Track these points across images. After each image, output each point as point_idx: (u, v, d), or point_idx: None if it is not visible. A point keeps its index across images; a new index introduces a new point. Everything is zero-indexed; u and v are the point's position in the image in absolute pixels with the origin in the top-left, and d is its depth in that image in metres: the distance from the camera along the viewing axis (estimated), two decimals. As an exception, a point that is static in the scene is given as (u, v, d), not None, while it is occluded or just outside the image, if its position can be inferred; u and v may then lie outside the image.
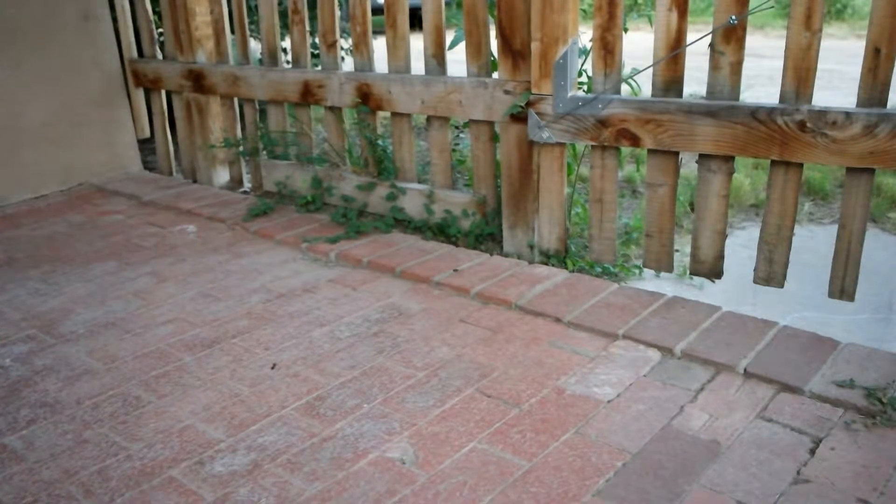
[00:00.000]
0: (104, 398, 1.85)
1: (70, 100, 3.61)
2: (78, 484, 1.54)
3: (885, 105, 1.83)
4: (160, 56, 3.74)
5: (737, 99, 2.01)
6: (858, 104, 1.85)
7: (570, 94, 2.24)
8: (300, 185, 3.15)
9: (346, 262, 2.59)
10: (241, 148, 3.50)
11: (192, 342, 2.10)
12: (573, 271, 2.43)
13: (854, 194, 1.91)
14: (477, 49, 2.53)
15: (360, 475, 1.52)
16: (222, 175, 3.64)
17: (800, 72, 1.91)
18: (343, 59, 3.14)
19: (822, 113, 1.87)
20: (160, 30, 3.96)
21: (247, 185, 3.59)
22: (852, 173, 1.90)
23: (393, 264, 2.49)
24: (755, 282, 2.11)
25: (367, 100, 2.88)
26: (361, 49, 2.90)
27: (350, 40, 3.07)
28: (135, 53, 3.80)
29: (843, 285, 1.98)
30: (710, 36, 2.01)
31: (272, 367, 1.95)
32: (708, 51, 2.01)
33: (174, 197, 3.41)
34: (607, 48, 2.17)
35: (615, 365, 1.87)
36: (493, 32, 2.49)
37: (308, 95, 3.07)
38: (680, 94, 2.10)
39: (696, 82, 3.49)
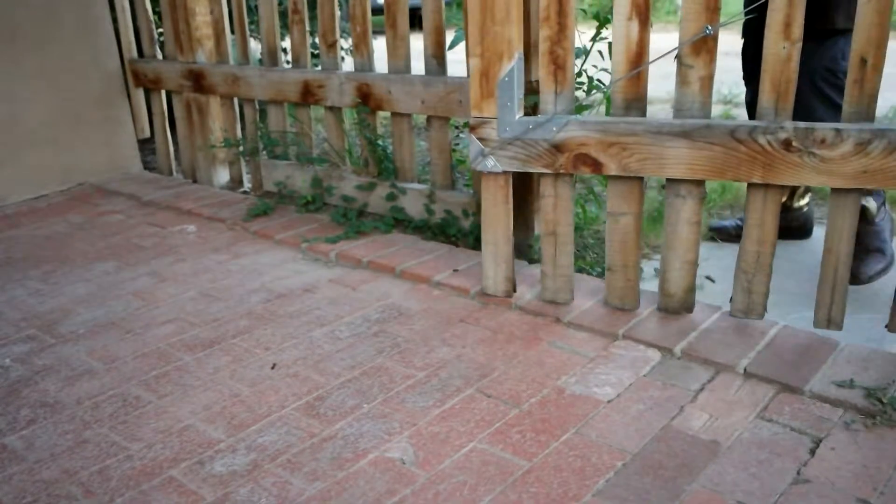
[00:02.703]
0: (104, 398, 1.85)
1: (70, 100, 3.61)
2: (78, 484, 1.54)
3: (872, 119, 1.71)
4: (160, 56, 3.74)
5: (708, 116, 1.84)
6: (844, 119, 1.73)
7: (517, 117, 1.99)
8: (300, 185, 3.15)
9: (346, 262, 2.59)
10: (241, 148, 3.50)
11: (192, 342, 2.10)
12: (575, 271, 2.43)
13: (840, 216, 1.79)
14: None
15: (360, 475, 1.52)
16: (222, 175, 3.64)
17: (779, 85, 1.75)
18: (343, 59, 3.14)
19: (810, 130, 1.72)
20: (160, 30, 3.96)
21: (247, 185, 3.59)
22: (839, 193, 1.78)
23: (393, 264, 2.49)
24: (732, 314, 1.99)
25: (367, 100, 2.88)
26: (361, 49, 2.90)
27: (350, 40, 3.07)
28: (135, 53, 3.80)
29: (829, 314, 1.87)
30: (677, 48, 1.84)
31: (272, 367, 1.95)
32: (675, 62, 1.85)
33: (174, 197, 3.41)
34: (557, 63, 1.93)
35: (615, 365, 1.87)
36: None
37: (308, 95, 3.07)
38: (643, 113, 1.91)
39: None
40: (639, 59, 1.86)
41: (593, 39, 2.52)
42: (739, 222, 2.81)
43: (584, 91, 2.68)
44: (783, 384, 1.74)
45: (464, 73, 2.64)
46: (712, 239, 2.84)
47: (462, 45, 2.66)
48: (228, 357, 2.01)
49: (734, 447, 1.55)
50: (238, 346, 2.07)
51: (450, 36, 2.73)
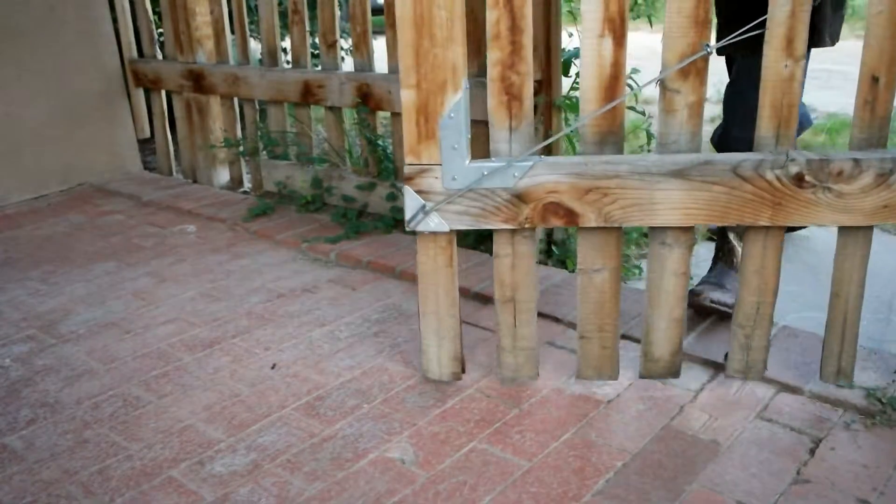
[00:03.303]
0: (104, 398, 1.85)
1: (70, 100, 3.61)
2: (78, 484, 1.54)
3: (885, 145, 1.55)
4: (160, 56, 3.74)
5: (698, 149, 1.59)
6: (853, 146, 1.56)
7: (467, 162, 1.60)
8: (300, 185, 3.15)
9: (346, 262, 2.59)
10: (241, 148, 3.50)
11: (192, 342, 2.10)
12: (571, 271, 2.43)
13: (851, 256, 1.60)
14: (477, 49, 2.53)
15: (360, 475, 1.52)
16: (222, 175, 3.64)
17: (780, 109, 1.54)
18: (343, 59, 3.14)
19: (825, 162, 1.51)
20: (160, 30, 3.96)
21: (247, 185, 3.59)
22: (849, 231, 1.58)
23: (393, 264, 2.49)
24: (728, 375, 1.77)
25: (367, 100, 2.88)
26: (361, 49, 2.90)
27: (350, 40, 3.06)
28: (135, 53, 3.80)
29: (839, 365, 1.69)
30: (661, 75, 1.57)
31: (272, 367, 1.95)
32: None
33: (174, 197, 3.41)
34: (511, 92, 1.57)
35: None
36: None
37: (308, 95, 3.07)
38: (619, 149, 1.61)
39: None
40: (615, 85, 1.56)
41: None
42: None
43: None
44: (783, 384, 1.74)
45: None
46: (711, 239, 2.84)
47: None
48: (228, 357, 2.01)
49: (734, 447, 1.55)
50: (238, 346, 2.07)
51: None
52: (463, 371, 1.82)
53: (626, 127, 4.62)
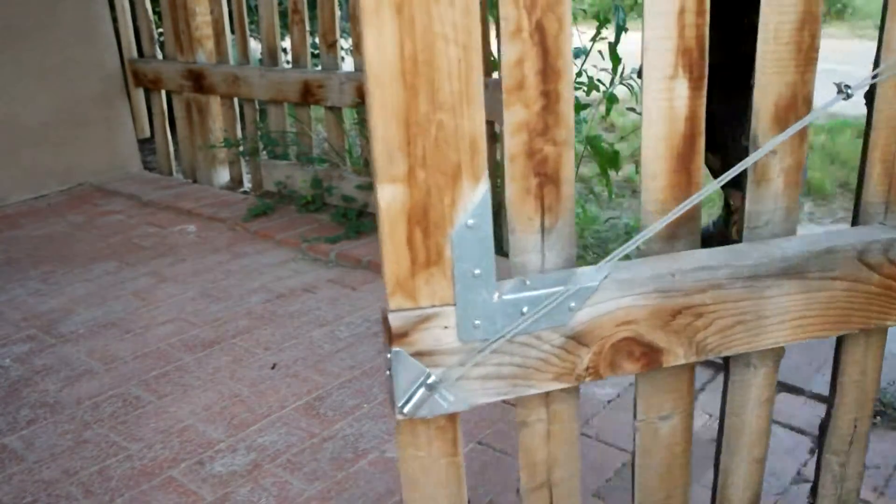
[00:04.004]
0: (104, 398, 1.85)
1: (70, 100, 3.61)
2: (78, 484, 1.54)
3: None
4: (160, 56, 3.74)
5: (793, 230, 1.19)
6: None
7: (497, 295, 0.99)
8: (300, 185, 3.15)
9: (346, 262, 2.59)
10: (241, 148, 3.50)
11: (192, 342, 2.10)
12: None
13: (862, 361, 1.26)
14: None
15: (360, 475, 1.52)
16: (222, 175, 3.64)
17: (892, 165, 1.14)
18: (343, 59, 3.14)
19: None
20: (160, 30, 3.96)
21: (247, 185, 3.59)
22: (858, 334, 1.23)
23: (393, 264, 2.48)
24: None
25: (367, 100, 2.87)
26: (362, 49, 2.90)
27: (350, 40, 3.06)
28: (135, 53, 3.80)
29: None
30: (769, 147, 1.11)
31: (272, 367, 1.95)
32: None
33: (174, 197, 3.40)
34: (545, 172, 1.00)
35: None
36: (493, 31, 2.48)
37: (308, 95, 3.07)
38: (696, 241, 1.13)
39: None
40: (690, 150, 1.06)
41: (593, 40, 2.51)
42: (711, 227, 2.42)
43: (584, 91, 2.66)
44: (783, 384, 1.74)
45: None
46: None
47: None
48: (228, 357, 2.01)
49: (734, 447, 1.54)
50: (238, 346, 2.07)
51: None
52: None
53: (626, 127, 4.62)
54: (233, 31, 3.45)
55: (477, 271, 0.98)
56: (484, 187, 0.95)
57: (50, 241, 2.97)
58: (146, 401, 1.83)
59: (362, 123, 2.92)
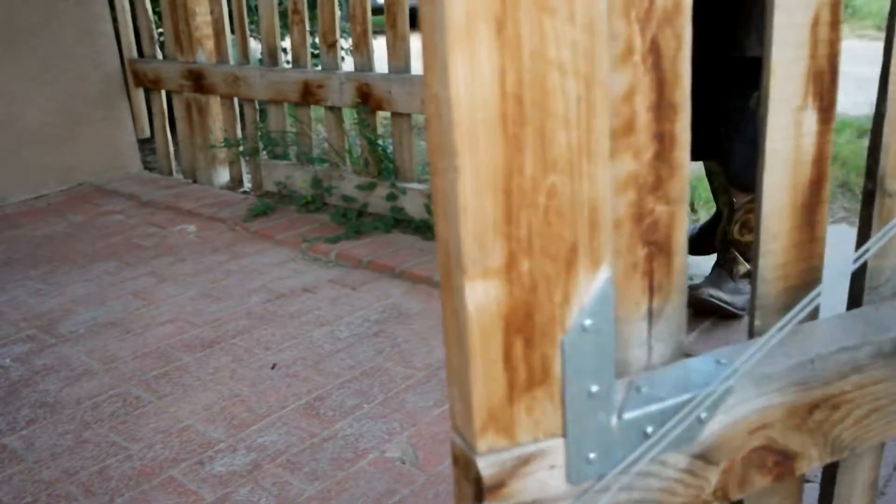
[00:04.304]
0: (104, 398, 1.85)
1: (70, 100, 3.61)
2: (78, 484, 1.54)
3: None
4: (160, 56, 3.74)
5: None
6: None
7: (616, 417, 0.72)
8: (300, 185, 3.15)
9: (346, 262, 2.59)
10: (241, 148, 3.50)
11: (192, 342, 2.10)
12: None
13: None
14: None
15: (360, 475, 1.52)
16: (222, 175, 3.64)
17: None
18: (343, 59, 3.14)
19: None
20: (160, 30, 3.96)
21: (247, 185, 3.59)
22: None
23: (393, 264, 2.49)
24: None
25: (367, 100, 2.88)
26: (361, 49, 2.90)
27: (350, 40, 3.06)
28: (135, 53, 3.81)
29: None
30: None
31: (272, 367, 1.95)
32: None
33: (174, 197, 3.41)
34: (655, 240, 0.75)
35: (615, 365, 1.86)
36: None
37: (308, 95, 3.07)
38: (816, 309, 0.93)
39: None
40: (816, 198, 0.87)
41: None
42: (693, 231, 2.37)
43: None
44: (783, 384, 1.73)
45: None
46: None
47: None
48: (228, 357, 2.01)
49: (734, 447, 1.54)
50: (238, 346, 2.07)
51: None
52: None
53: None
54: (233, 31, 3.45)
55: (594, 388, 0.72)
56: (605, 275, 0.69)
57: (50, 241, 2.97)
58: (146, 401, 1.83)
59: (362, 123, 2.92)
